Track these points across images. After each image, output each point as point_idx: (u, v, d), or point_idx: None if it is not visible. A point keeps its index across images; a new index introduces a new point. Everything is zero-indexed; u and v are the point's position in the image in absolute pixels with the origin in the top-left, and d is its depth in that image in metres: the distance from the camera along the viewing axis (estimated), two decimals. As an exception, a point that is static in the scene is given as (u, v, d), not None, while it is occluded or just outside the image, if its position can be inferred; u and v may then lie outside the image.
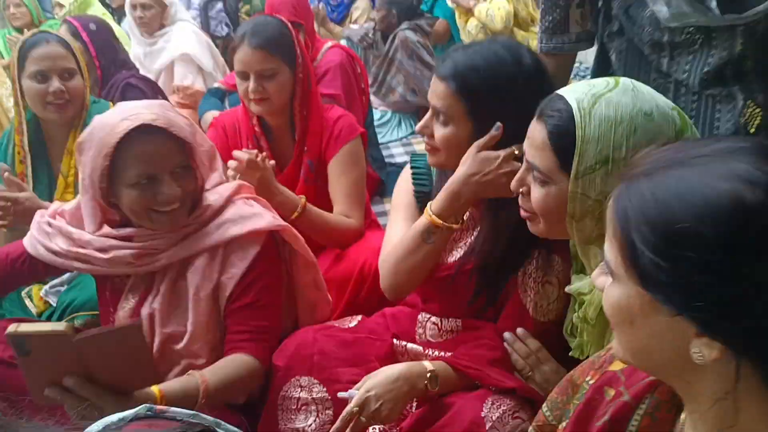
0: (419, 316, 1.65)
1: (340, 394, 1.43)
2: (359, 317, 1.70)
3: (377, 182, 3.26)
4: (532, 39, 4.41)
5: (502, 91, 1.39)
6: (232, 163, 1.85)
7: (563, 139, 1.12)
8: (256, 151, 1.90)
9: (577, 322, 1.33)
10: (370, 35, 4.29)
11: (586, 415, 0.91)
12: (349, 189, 2.10)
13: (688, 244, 0.68)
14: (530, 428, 1.11)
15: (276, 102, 2.04)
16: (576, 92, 1.15)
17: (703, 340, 0.70)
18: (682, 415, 0.83)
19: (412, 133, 4.35)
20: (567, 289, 1.37)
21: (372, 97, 3.92)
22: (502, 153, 1.40)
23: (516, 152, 1.38)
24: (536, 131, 1.18)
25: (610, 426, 0.86)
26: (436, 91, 1.45)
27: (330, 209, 2.11)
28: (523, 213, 1.26)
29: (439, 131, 1.46)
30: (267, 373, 1.57)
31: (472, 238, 1.56)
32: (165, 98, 3.13)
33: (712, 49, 1.42)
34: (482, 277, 1.50)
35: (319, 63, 3.03)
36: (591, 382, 0.95)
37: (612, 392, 0.90)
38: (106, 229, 1.50)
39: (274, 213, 1.63)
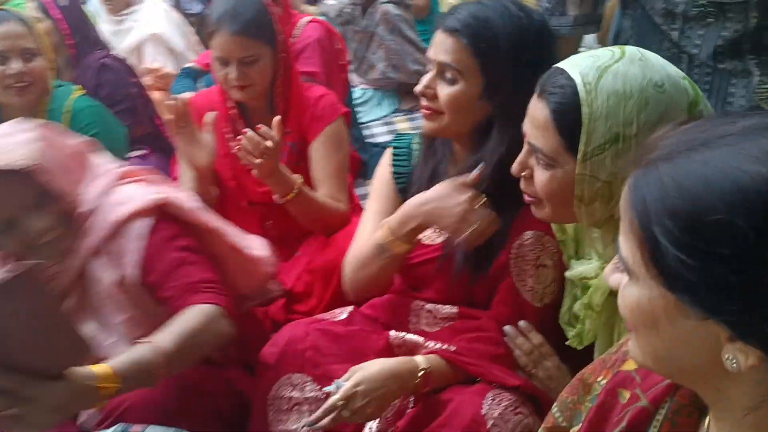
0: (412, 305, 1.58)
1: (326, 389, 1.35)
2: (350, 308, 1.62)
3: (359, 163, 3.15)
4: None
5: (515, 44, 1.33)
6: (257, 140, 1.72)
7: (568, 118, 1.05)
8: (266, 129, 1.76)
9: (579, 309, 1.27)
10: (348, 10, 4.14)
11: (599, 419, 0.85)
12: (334, 172, 2.02)
13: (719, 238, 0.59)
14: (540, 430, 1.04)
15: (259, 87, 1.97)
16: (579, 65, 1.06)
17: (737, 345, 0.62)
18: (706, 419, 0.76)
19: (395, 111, 4.23)
20: (567, 274, 1.31)
21: (352, 75, 3.80)
22: (470, 194, 1.33)
23: (483, 201, 1.34)
24: (537, 110, 1.09)
25: None
26: (444, 46, 1.36)
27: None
28: (526, 198, 1.19)
29: (445, 90, 1.38)
30: (240, 324, 1.42)
31: None
32: (139, 81, 3.01)
33: (726, 22, 1.36)
34: (475, 253, 1.42)
35: (296, 39, 2.91)
36: (603, 382, 0.89)
37: (627, 394, 0.84)
38: None
39: (156, 188, 1.51)
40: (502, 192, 1.35)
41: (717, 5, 1.35)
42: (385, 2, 3.97)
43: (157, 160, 3.00)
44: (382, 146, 3.58)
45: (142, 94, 3.04)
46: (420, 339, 1.43)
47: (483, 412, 1.29)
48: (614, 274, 0.73)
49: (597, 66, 1.04)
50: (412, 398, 1.43)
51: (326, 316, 1.62)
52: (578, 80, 1.04)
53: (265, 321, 1.94)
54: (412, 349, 1.47)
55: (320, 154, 2.03)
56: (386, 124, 4.03)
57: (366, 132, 3.69)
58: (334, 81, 2.90)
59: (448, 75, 1.37)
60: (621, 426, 0.81)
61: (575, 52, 1.82)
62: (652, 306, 0.66)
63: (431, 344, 1.46)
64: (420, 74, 3.94)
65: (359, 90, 4.08)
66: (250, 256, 1.63)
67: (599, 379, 0.91)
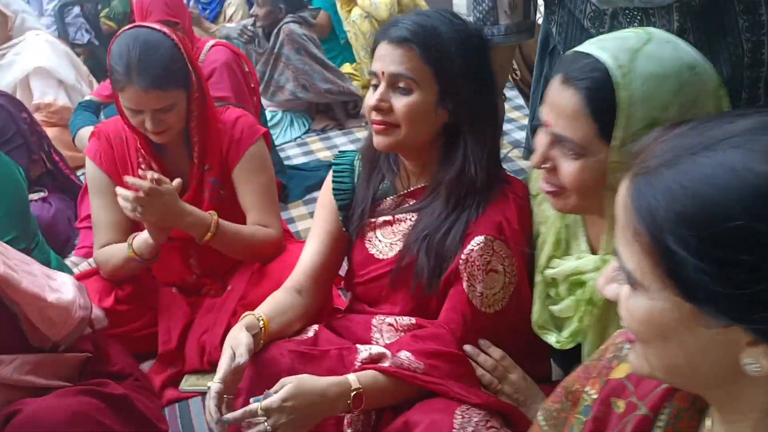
0: (374, 321, 1.51)
1: (253, 399, 1.25)
2: (315, 327, 1.52)
3: (279, 187, 3.05)
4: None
5: (462, 50, 1.33)
6: (126, 195, 1.63)
7: (602, 103, 0.99)
8: (151, 173, 1.67)
9: (566, 308, 1.25)
10: (250, 27, 4.03)
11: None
12: (260, 195, 1.94)
13: (741, 245, 0.57)
14: None
15: (177, 129, 1.86)
16: (606, 49, 1.01)
17: (760, 349, 0.59)
18: (707, 422, 0.74)
19: (307, 131, 4.16)
20: (551, 273, 1.28)
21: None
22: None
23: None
24: (564, 98, 1.04)
25: None
26: (393, 57, 1.33)
27: (235, 218, 1.93)
28: (547, 188, 1.14)
29: (401, 101, 1.34)
30: None
31: (409, 227, 1.46)
32: (30, 116, 2.82)
33: (650, 26, 1.36)
34: (428, 263, 1.39)
35: (202, 63, 2.78)
36: (593, 393, 0.86)
37: (621, 404, 0.82)
38: None
39: None
40: (465, 196, 1.36)
41: (641, 9, 1.36)
42: (289, 22, 3.89)
43: (59, 201, 2.80)
44: (299, 168, 3.50)
45: (35, 130, 2.83)
46: (387, 351, 1.36)
47: (454, 431, 1.23)
48: (610, 284, 0.70)
49: (627, 48, 1.00)
50: (373, 414, 1.37)
51: (296, 337, 1.51)
52: (611, 64, 0.99)
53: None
54: (377, 362, 1.40)
55: (244, 179, 1.95)
56: (300, 145, 3.94)
57: (281, 154, 3.59)
58: (246, 105, 2.79)
59: (402, 85, 1.34)
60: None
61: (510, 60, 1.82)
62: (666, 317, 0.63)
63: (401, 355, 1.37)
64: (331, 93, 4.03)
65: (269, 112, 3.98)
66: (52, 303, 1.52)
67: (587, 389, 0.88)
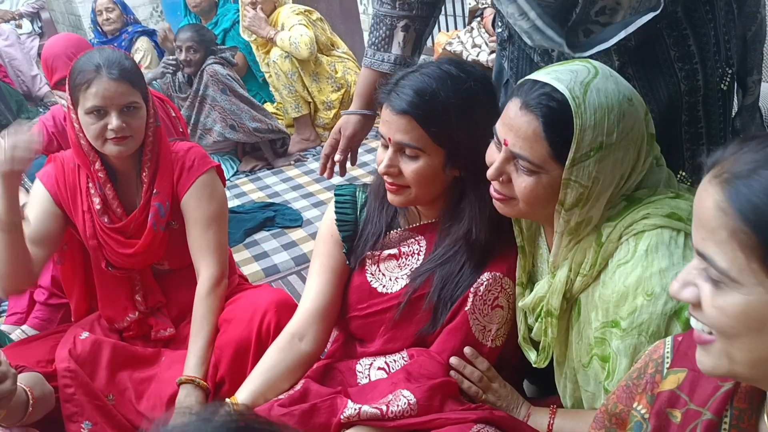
0: (357, 367, 1.47)
1: None
2: (302, 380, 1.46)
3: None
4: (338, 62, 4.37)
5: (465, 111, 1.32)
6: None
7: (559, 129, 1.11)
8: None
9: (538, 328, 1.31)
10: (171, 60, 3.91)
11: None
12: (208, 226, 1.87)
13: None
14: None
15: (137, 140, 1.80)
16: (561, 80, 1.12)
17: None
18: (764, 419, 0.79)
19: (236, 173, 4.06)
20: (521, 304, 1.36)
21: (186, 143, 3.59)
22: None
23: None
24: (523, 122, 1.13)
25: None
26: (397, 126, 1.33)
27: (187, 255, 1.88)
28: (498, 196, 1.23)
29: (410, 167, 1.35)
30: None
31: (418, 262, 1.45)
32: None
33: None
34: (439, 296, 1.39)
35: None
36: (641, 409, 0.89)
37: (678, 414, 0.85)
38: None
39: None
40: (472, 233, 1.37)
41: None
42: (211, 63, 3.81)
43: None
44: (235, 211, 3.40)
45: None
46: (377, 412, 1.31)
47: None
48: (685, 288, 0.74)
49: (580, 81, 1.12)
50: None
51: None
52: (568, 95, 1.11)
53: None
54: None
55: (193, 206, 1.87)
56: (230, 188, 3.85)
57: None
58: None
59: (408, 152, 1.35)
60: None
61: None
62: (764, 310, 0.67)
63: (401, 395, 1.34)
64: (259, 132, 3.98)
65: (195, 157, 3.86)
66: None
67: (634, 406, 0.91)
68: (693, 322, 0.74)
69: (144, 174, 1.85)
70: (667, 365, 0.88)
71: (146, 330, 1.97)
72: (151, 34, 4.87)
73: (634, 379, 0.93)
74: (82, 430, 1.77)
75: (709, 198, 0.70)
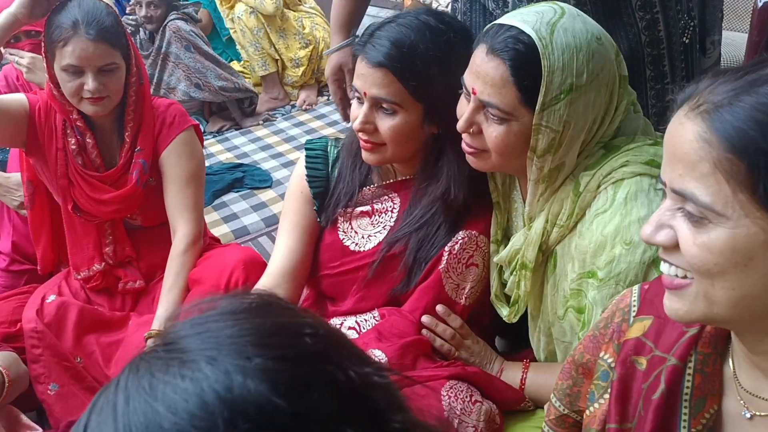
0: None
1: None
2: None
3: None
4: (305, 18, 4.26)
5: (445, 63, 1.26)
6: None
7: (527, 73, 1.07)
8: None
9: (511, 282, 1.30)
10: (131, 18, 3.76)
11: (624, 390, 0.85)
12: (186, 184, 1.86)
13: None
14: (544, 426, 1.04)
15: (115, 100, 1.76)
16: (527, 21, 1.08)
17: None
18: (729, 362, 0.79)
19: (203, 134, 3.96)
20: (496, 259, 1.34)
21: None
22: None
23: None
24: (491, 68, 1.10)
25: (667, 395, 0.80)
26: (373, 79, 1.27)
27: (161, 213, 1.87)
28: (469, 149, 1.20)
29: (386, 123, 1.30)
30: None
31: (391, 219, 1.41)
32: None
33: None
34: (414, 257, 1.37)
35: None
36: (608, 358, 0.89)
37: (643, 360, 0.84)
38: None
39: None
40: (450, 191, 1.34)
41: None
42: (174, 19, 3.68)
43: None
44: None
45: None
46: None
47: (445, 411, 1.20)
48: (660, 231, 0.71)
49: (546, 22, 1.08)
50: None
51: None
52: (534, 35, 1.07)
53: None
54: None
55: (173, 163, 1.85)
56: (197, 149, 3.75)
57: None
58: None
59: (385, 106, 1.30)
60: (660, 388, 0.80)
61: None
62: (752, 242, 0.65)
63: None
64: (226, 90, 3.87)
65: (160, 117, 3.76)
66: None
67: (601, 355, 0.90)
68: (665, 267, 0.72)
69: (127, 133, 1.81)
70: (633, 313, 0.88)
71: (113, 282, 1.94)
72: (110, -10, 4.69)
73: (601, 328, 0.92)
74: (49, 391, 1.74)
75: (687, 131, 0.67)
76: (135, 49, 1.81)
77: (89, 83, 1.68)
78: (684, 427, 0.79)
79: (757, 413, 0.73)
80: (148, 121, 1.84)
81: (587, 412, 0.91)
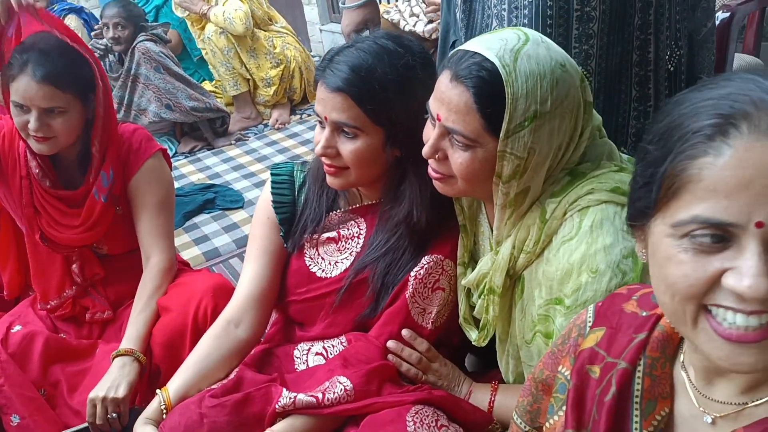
0: (295, 352, 1.44)
1: None
2: (236, 368, 1.42)
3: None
4: (276, 37, 4.27)
5: (404, 87, 1.27)
6: None
7: (491, 100, 1.07)
8: None
9: (479, 305, 1.30)
10: (100, 43, 3.74)
11: (579, 398, 0.87)
12: (156, 212, 1.82)
13: None
14: None
15: (63, 141, 1.72)
16: (491, 48, 1.08)
17: None
18: (678, 364, 0.81)
19: (174, 155, 3.94)
20: (464, 282, 1.34)
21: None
22: None
23: None
24: (455, 95, 1.09)
25: (618, 396, 0.82)
26: (333, 104, 1.27)
27: (127, 241, 1.84)
28: (435, 175, 1.20)
29: (347, 147, 1.30)
30: None
31: (357, 245, 1.41)
32: None
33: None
34: (381, 282, 1.36)
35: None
36: (565, 371, 0.91)
37: (596, 369, 0.87)
38: None
39: None
40: (413, 216, 1.34)
41: None
42: (142, 41, 3.66)
43: None
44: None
45: None
46: (312, 400, 1.28)
47: None
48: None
49: (509, 49, 1.08)
50: None
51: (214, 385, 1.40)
52: (498, 63, 1.07)
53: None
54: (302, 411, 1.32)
55: (141, 191, 1.82)
56: (168, 170, 3.72)
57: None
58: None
59: (346, 131, 1.30)
60: (612, 390, 0.82)
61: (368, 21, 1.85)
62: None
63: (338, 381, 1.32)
64: (197, 111, 3.86)
65: (131, 139, 3.73)
66: None
67: (559, 369, 0.92)
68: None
69: (93, 163, 1.78)
70: (588, 327, 0.90)
71: (81, 311, 1.91)
72: (79, 11, 4.66)
73: (558, 345, 0.94)
74: (11, 422, 1.71)
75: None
76: (103, 79, 1.75)
77: (32, 123, 1.66)
78: (636, 429, 0.80)
79: (717, 415, 0.74)
80: (114, 146, 1.80)
81: (547, 424, 0.92)
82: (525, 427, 0.99)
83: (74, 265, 1.87)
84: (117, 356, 1.67)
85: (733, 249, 0.63)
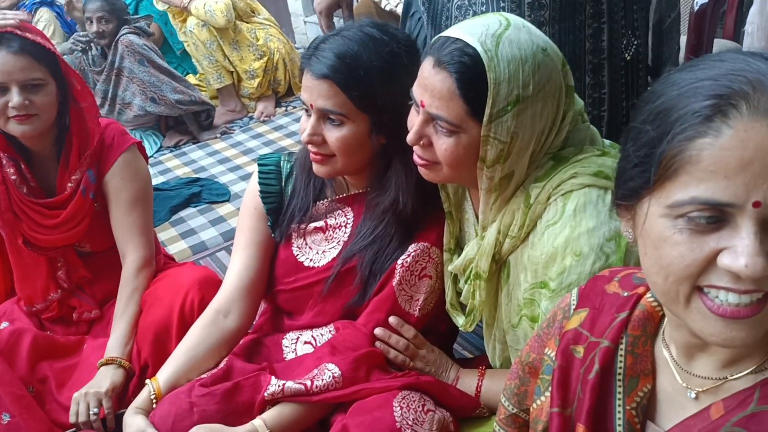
0: (284, 341, 1.45)
1: None
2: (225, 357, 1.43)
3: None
4: (258, 29, 4.25)
5: (389, 74, 1.28)
6: None
7: (473, 85, 1.07)
8: None
9: (466, 290, 1.31)
10: (81, 36, 3.70)
11: (564, 378, 0.89)
12: (132, 207, 1.80)
13: None
14: (495, 426, 1.05)
15: (44, 119, 1.69)
16: (473, 34, 1.09)
17: None
18: (658, 340, 0.83)
19: (159, 149, 3.92)
20: (451, 267, 1.35)
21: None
22: None
23: None
24: (437, 81, 1.10)
25: (602, 374, 0.83)
26: (319, 91, 1.28)
27: (109, 237, 1.82)
28: (420, 161, 1.20)
29: (333, 134, 1.30)
30: None
31: (345, 234, 1.42)
32: None
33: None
34: (369, 271, 1.38)
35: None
36: (550, 352, 0.92)
37: (580, 348, 0.88)
38: None
39: None
40: (399, 203, 1.34)
41: None
42: (126, 34, 3.63)
43: None
44: (159, 189, 3.30)
45: None
46: (301, 387, 1.29)
47: (397, 424, 1.21)
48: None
49: (491, 34, 1.09)
50: None
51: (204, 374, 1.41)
52: (479, 48, 1.07)
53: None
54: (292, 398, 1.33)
55: (117, 186, 1.79)
56: (154, 165, 3.71)
57: (136, 176, 3.35)
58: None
59: (332, 117, 1.31)
60: (595, 368, 0.83)
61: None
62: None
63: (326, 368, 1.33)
64: (182, 104, 3.83)
65: (115, 133, 3.70)
66: None
67: (546, 350, 0.94)
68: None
69: (70, 155, 1.75)
70: (572, 309, 0.91)
71: (68, 311, 1.89)
72: (50, 4, 4.61)
73: (544, 328, 0.96)
74: (2, 420, 1.70)
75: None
76: (72, 72, 1.73)
77: (13, 98, 1.62)
78: (619, 405, 0.81)
79: (699, 389, 0.75)
80: (93, 139, 1.77)
81: (534, 405, 0.94)
82: (513, 409, 1.01)
83: (60, 272, 1.86)
84: (102, 365, 1.67)
85: (728, 229, 0.63)
